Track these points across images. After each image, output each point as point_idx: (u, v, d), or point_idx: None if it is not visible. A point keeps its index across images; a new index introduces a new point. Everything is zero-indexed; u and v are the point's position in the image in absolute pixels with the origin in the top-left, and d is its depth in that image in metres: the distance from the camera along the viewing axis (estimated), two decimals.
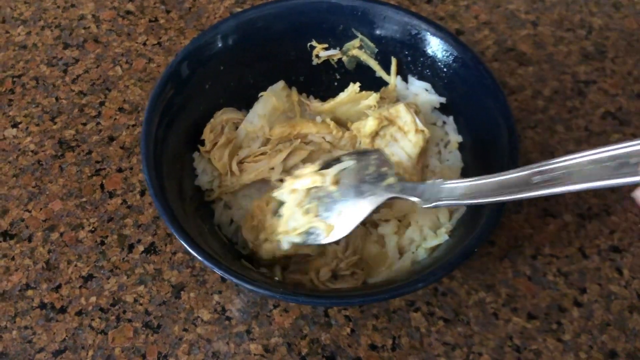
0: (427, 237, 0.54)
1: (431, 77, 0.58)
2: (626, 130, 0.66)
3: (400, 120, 0.56)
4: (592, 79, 0.70)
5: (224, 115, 0.59)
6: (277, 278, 0.54)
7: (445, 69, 0.57)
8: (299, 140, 0.58)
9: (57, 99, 0.69)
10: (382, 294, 0.45)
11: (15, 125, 0.67)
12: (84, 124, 0.67)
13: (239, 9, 0.77)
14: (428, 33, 0.57)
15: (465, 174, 0.58)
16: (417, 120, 0.55)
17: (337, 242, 0.53)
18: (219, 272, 0.45)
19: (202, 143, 0.58)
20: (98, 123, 0.67)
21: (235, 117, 0.60)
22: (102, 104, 0.68)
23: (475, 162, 0.57)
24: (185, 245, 0.46)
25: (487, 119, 0.54)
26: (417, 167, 0.56)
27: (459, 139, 0.59)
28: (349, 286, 0.53)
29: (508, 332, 0.55)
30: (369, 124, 0.56)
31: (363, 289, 0.51)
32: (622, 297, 0.57)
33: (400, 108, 0.55)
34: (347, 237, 0.52)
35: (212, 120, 0.59)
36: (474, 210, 0.53)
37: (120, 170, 0.64)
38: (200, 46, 0.57)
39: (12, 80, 0.70)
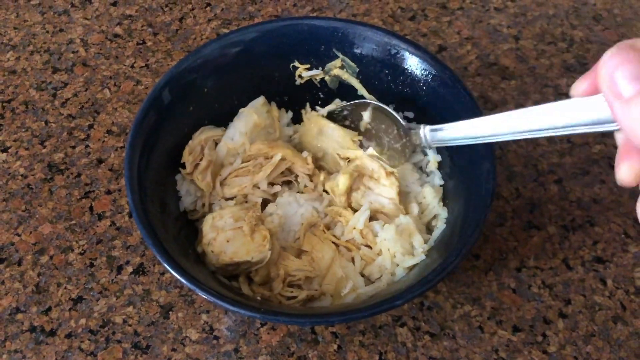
0: (401, 263, 0.54)
1: (411, 95, 0.59)
2: (608, 142, 0.67)
3: (367, 169, 0.57)
4: None
5: (202, 135, 0.60)
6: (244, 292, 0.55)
7: (424, 87, 0.58)
8: (280, 155, 0.58)
9: (46, 122, 0.70)
10: (361, 311, 0.46)
11: (4, 150, 0.67)
12: (73, 147, 0.68)
13: (226, 30, 0.78)
14: (407, 52, 0.58)
15: (445, 192, 0.59)
16: (384, 164, 0.57)
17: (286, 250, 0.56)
18: (200, 293, 0.46)
19: (184, 165, 0.59)
20: (87, 146, 0.68)
21: (214, 135, 0.60)
22: (90, 126, 0.69)
23: (455, 180, 0.58)
24: (169, 268, 0.47)
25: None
26: (399, 204, 0.57)
27: (438, 158, 0.60)
28: (307, 293, 0.54)
29: (494, 345, 0.55)
30: (342, 182, 0.57)
31: (342, 308, 0.51)
32: (607, 308, 0.57)
33: (365, 160, 0.57)
34: (300, 244, 0.56)
35: (190, 142, 0.59)
36: (452, 231, 0.54)
37: (109, 192, 0.64)
38: (182, 71, 0.57)
39: (1, 105, 0.71)
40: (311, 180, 0.60)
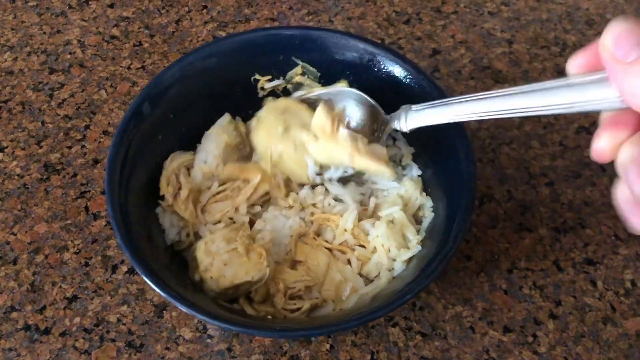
0: (397, 257, 0.55)
1: (378, 92, 0.59)
2: None
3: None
4: None
5: (174, 163, 0.58)
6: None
7: (390, 83, 0.59)
8: (258, 178, 0.58)
9: (43, 123, 0.70)
10: (375, 311, 0.47)
11: (1, 150, 0.68)
12: (69, 147, 0.68)
13: (222, 33, 0.79)
14: (365, 50, 0.59)
15: (425, 182, 0.60)
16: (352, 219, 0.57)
17: (282, 264, 0.56)
18: (221, 325, 0.47)
19: (162, 197, 0.57)
20: (83, 146, 0.68)
21: (185, 160, 0.59)
22: (87, 127, 0.70)
23: (433, 168, 0.59)
24: (188, 310, 0.47)
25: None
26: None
27: (411, 150, 0.60)
28: (310, 303, 0.54)
29: (485, 346, 0.56)
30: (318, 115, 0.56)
31: (355, 311, 0.52)
32: (597, 309, 0.58)
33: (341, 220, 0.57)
34: (293, 256, 0.56)
35: (164, 172, 0.58)
36: (441, 218, 0.55)
37: (104, 193, 0.65)
38: (146, 100, 0.56)
39: None
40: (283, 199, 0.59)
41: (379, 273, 0.56)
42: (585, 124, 0.70)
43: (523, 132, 0.69)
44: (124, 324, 0.57)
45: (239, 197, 0.57)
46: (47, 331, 0.56)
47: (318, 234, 0.58)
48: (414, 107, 0.52)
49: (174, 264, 0.56)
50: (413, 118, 0.51)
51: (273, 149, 0.58)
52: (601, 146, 0.37)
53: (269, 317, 0.54)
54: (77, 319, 0.57)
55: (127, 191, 0.53)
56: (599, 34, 0.35)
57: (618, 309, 0.58)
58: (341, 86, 0.60)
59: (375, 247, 0.56)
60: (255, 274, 0.53)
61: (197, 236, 0.58)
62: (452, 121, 0.47)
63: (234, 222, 0.58)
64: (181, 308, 0.47)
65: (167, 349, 0.55)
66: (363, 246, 0.57)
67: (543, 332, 0.57)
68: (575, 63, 0.38)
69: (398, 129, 0.53)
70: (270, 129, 0.58)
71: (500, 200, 0.64)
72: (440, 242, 0.52)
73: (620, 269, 0.60)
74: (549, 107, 0.39)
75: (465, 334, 0.56)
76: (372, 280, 0.56)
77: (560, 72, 0.74)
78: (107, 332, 0.56)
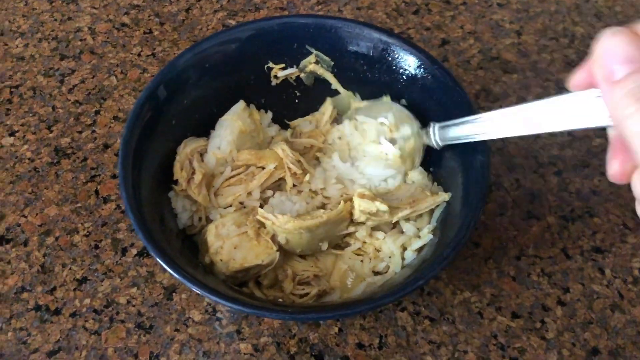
0: (408, 246, 0.55)
1: (389, 82, 0.60)
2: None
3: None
4: None
5: (187, 148, 0.58)
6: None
7: (401, 71, 0.59)
8: (274, 166, 0.58)
9: (53, 108, 0.70)
10: (362, 305, 0.47)
11: (12, 134, 0.68)
12: (80, 132, 0.68)
13: (232, 21, 0.79)
14: (380, 40, 0.59)
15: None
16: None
17: (292, 252, 0.56)
18: (233, 306, 0.47)
19: (176, 182, 0.58)
20: (93, 131, 0.69)
21: (198, 146, 0.59)
22: (97, 112, 0.70)
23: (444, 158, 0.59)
24: (203, 292, 0.47)
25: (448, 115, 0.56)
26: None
27: None
28: (319, 289, 0.54)
29: (493, 331, 0.56)
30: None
31: (346, 303, 0.52)
32: (604, 296, 0.58)
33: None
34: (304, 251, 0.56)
35: (177, 157, 0.58)
36: (453, 206, 0.55)
37: (114, 177, 0.65)
38: (160, 85, 0.56)
39: (9, 91, 0.72)
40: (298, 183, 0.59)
41: (389, 263, 0.56)
42: None
43: None
44: (134, 306, 0.57)
45: (254, 182, 0.57)
46: (57, 312, 0.57)
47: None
48: (439, 124, 0.54)
49: (185, 248, 0.56)
50: (443, 136, 0.54)
51: None
52: (613, 173, 0.36)
53: (280, 300, 0.54)
54: (87, 300, 0.57)
55: (140, 175, 0.53)
56: (607, 26, 0.34)
57: (626, 297, 0.58)
58: (385, 100, 0.61)
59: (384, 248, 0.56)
60: (265, 257, 0.53)
61: (209, 220, 0.58)
62: (476, 139, 0.50)
63: (244, 207, 0.58)
64: (194, 289, 0.46)
65: (177, 330, 0.56)
66: (378, 250, 0.57)
67: (551, 318, 0.57)
68: (576, 80, 0.37)
69: (432, 145, 0.55)
70: None
71: (509, 189, 0.65)
72: (451, 231, 0.51)
73: (628, 257, 0.60)
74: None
75: (473, 319, 0.57)
76: (383, 272, 0.56)
77: (569, 64, 0.75)
78: (117, 313, 0.57)
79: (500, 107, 0.70)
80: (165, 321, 0.56)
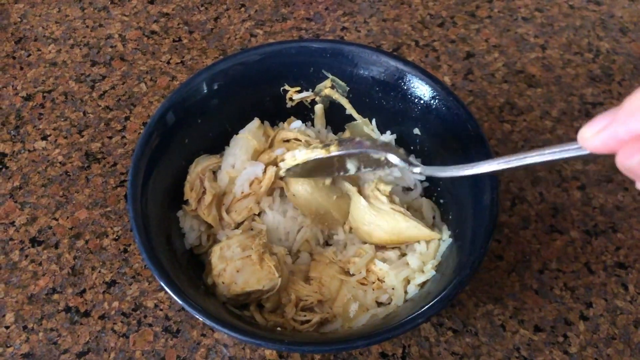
0: (411, 280, 0.55)
1: (403, 110, 0.60)
2: None
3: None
4: (599, 101, 0.73)
5: (198, 167, 0.59)
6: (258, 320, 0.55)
7: (416, 100, 0.59)
8: (274, 170, 0.58)
9: (84, 113, 0.72)
10: (391, 331, 0.47)
11: (44, 138, 0.70)
12: (110, 137, 0.70)
13: (259, 31, 0.80)
14: (396, 68, 0.59)
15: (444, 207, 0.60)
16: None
17: (295, 275, 0.56)
18: (221, 329, 0.47)
19: (186, 202, 0.58)
20: (123, 137, 0.70)
21: (210, 164, 0.60)
22: (127, 118, 0.72)
23: (450, 193, 0.59)
24: (193, 311, 0.47)
25: (460, 146, 0.56)
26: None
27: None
28: (321, 316, 0.54)
29: (515, 344, 0.56)
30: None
31: (343, 338, 0.51)
32: (628, 312, 0.58)
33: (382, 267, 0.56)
34: (308, 271, 0.56)
35: (188, 177, 0.58)
36: (458, 245, 0.55)
37: None
38: (175, 103, 0.57)
39: (42, 96, 0.74)
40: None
41: (392, 295, 0.56)
42: None
43: (555, 136, 0.70)
44: (161, 310, 0.58)
45: (261, 190, 0.58)
46: (87, 314, 0.58)
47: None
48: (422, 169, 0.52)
49: (190, 267, 0.56)
50: (429, 172, 0.52)
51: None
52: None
53: (278, 328, 0.54)
54: (115, 303, 0.59)
55: (150, 192, 0.53)
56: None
57: None
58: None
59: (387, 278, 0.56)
60: (266, 283, 0.53)
61: (217, 241, 0.58)
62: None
63: (251, 229, 0.58)
64: (191, 312, 0.47)
65: (203, 335, 0.57)
66: (381, 280, 0.57)
67: (574, 333, 0.57)
68: (589, 134, 0.36)
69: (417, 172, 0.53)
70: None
71: (532, 202, 0.65)
72: (455, 269, 0.51)
73: None
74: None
75: (496, 331, 0.57)
76: (385, 304, 0.56)
77: (593, 79, 0.75)
78: (145, 316, 0.58)
79: (524, 121, 0.71)
80: (192, 326, 0.57)
